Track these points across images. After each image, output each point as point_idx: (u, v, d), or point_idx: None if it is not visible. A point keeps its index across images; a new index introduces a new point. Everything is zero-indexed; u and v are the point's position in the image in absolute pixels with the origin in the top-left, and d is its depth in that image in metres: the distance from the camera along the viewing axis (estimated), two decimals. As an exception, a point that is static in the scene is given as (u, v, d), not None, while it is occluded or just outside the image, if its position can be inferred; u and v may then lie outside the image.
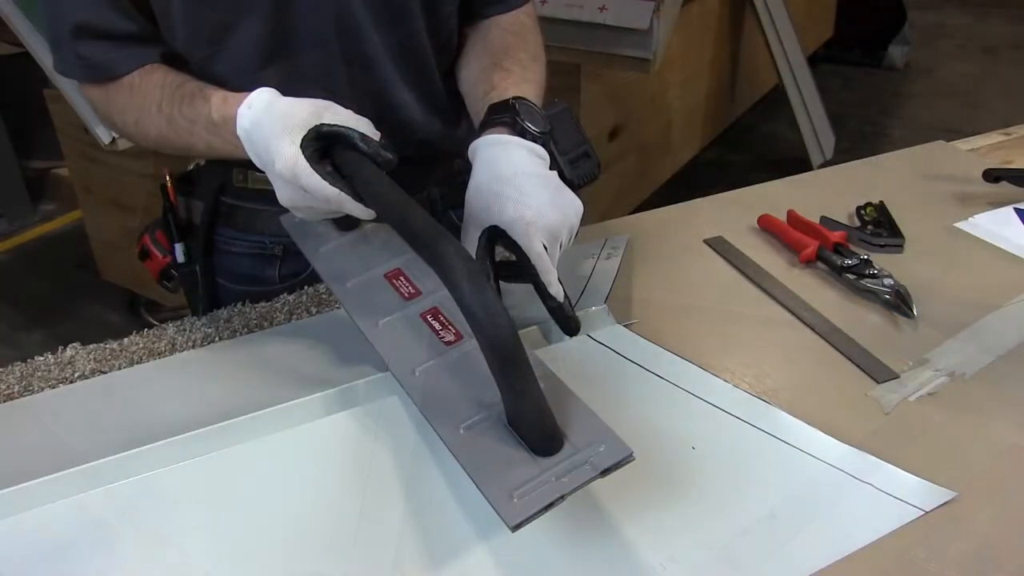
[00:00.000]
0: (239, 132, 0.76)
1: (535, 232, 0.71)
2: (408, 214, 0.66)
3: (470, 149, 0.79)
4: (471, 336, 0.71)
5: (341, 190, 0.70)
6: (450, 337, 0.74)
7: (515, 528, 0.56)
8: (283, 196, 0.74)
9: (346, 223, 0.86)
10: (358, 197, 0.70)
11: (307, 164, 0.70)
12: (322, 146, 0.72)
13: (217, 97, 0.79)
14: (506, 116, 0.80)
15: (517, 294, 0.78)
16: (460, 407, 0.67)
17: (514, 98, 0.81)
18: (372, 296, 0.79)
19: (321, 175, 0.70)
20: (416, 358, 0.72)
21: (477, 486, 0.60)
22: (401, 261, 0.82)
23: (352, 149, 0.72)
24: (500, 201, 0.72)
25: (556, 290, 0.73)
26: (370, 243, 0.85)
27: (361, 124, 0.73)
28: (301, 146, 0.70)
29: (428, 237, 0.63)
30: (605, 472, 0.59)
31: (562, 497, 0.58)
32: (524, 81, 0.88)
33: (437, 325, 0.75)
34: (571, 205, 0.75)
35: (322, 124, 0.72)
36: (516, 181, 0.73)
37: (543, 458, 0.61)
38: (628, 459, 0.60)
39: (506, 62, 0.90)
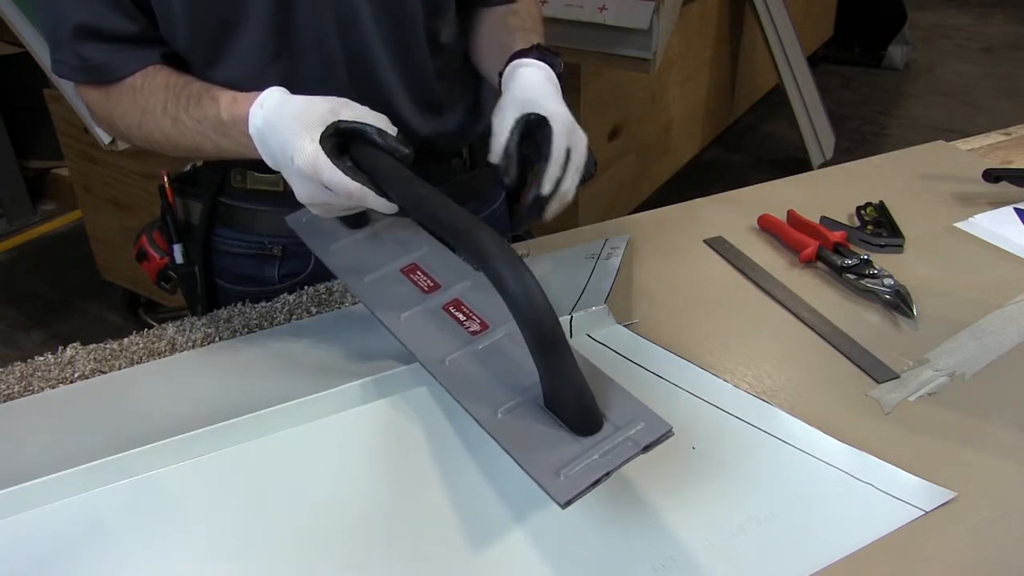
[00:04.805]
0: (251, 131, 0.76)
1: (573, 129, 0.79)
2: (438, 205, 0.67)
3: (507, 68, 0.85)
4: (497, 326, 0.73)
5: (363, 184, 0.71)
6: (475, 327, 0.74)
7: (565, 505, 0.57)
8: (301, 192, 0.74)
9: (355, 221, 0.86)
10: (380, 191, 0.71)
11: (328, 160, 0.71)
12: (340, 142, 0.73)
13: (226, 97, 0.79)
14: (533, 53, 0.86)
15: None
16: (495, 393, 0.67)
17: (537, 45, 0.88)
18: (391, 291, 0.80)
19: (342, 170, 0.71)
20: (444, 349, 0.73)
21: (522, 467, 0.60)
22: (416, 256, 0.83)
23: (370, 144, 0.73)
24: (550, 97, 0.80)
25: (554, 184, 0.78)
26: (381, 240, 0.86)
27: (379, 120, 0.75)
28: (320, 142, 0.71)
29: (463, 226, 0.64)
30: (647, 448, 0.60)
31: (608, 474, 0.58)
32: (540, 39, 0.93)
33: (461, 316, 0.76)
34: None
35: (340, 120, 0.73)
36: (558, 91, 0.82)
37: (584, 437, 0.62)
38: (668, 434, 0.61)
39: (524, 36, 0.94)
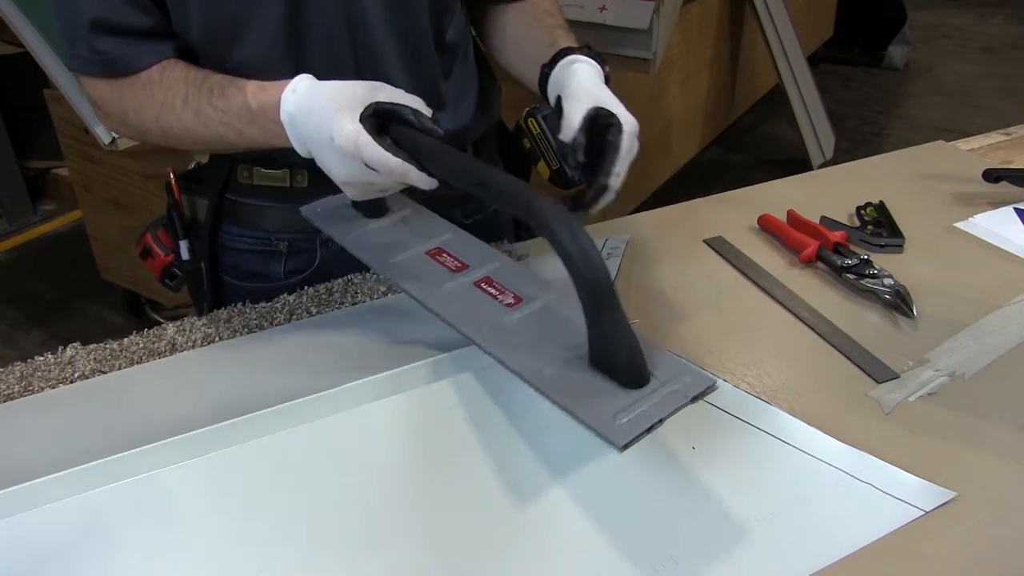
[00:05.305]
0: (283, 117, 0.78)
1: (635, 136, 0.82)
2: (487, 174, 0.69)
3: (563, 61, 0.87)
4: (531, 299, 0.76)
5: (404, 160, 0.72)
6: (510, 300, 0.76)
7: (623, 448, 0.59)
8: (341, 173, 0.75)
9: (374, 210, 0.87)
10: (421, 167, 0.73)
11: (369, 138, 0.72)
12: (377, 123, 0.74)
13: (252, 86, 0.81)
14: (584, 51, 0.88)
15: None
16: (538, 356, 0.69)
17: (587, 45, 0.90)
18: (419, 270, 0.81)
19: (384, 147, 0.72)
20: (481, 319, 0.74)
21: (576, 416, 0.62)
22: (440, 240, 0.85)
23: (407, 125, 0.74)
24: (615, 101, 0.82)
25: (618, 178, 0.79)
26: (401, 228, 0.87)
27: (414, 101, 0.76)
28: (360, 122, 0.73)
29: (517, 191, 0.66)
30: (695, 398, 0.64)
31: (661, 421, 0.62)
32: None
33: (494, 291, 0.78)
34: None
35: (378, 101, 0.74)
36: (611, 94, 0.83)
37: (633, 390, 0.65)
38: (712, 387, 0.65)
39: (566, 35, 0.96)
